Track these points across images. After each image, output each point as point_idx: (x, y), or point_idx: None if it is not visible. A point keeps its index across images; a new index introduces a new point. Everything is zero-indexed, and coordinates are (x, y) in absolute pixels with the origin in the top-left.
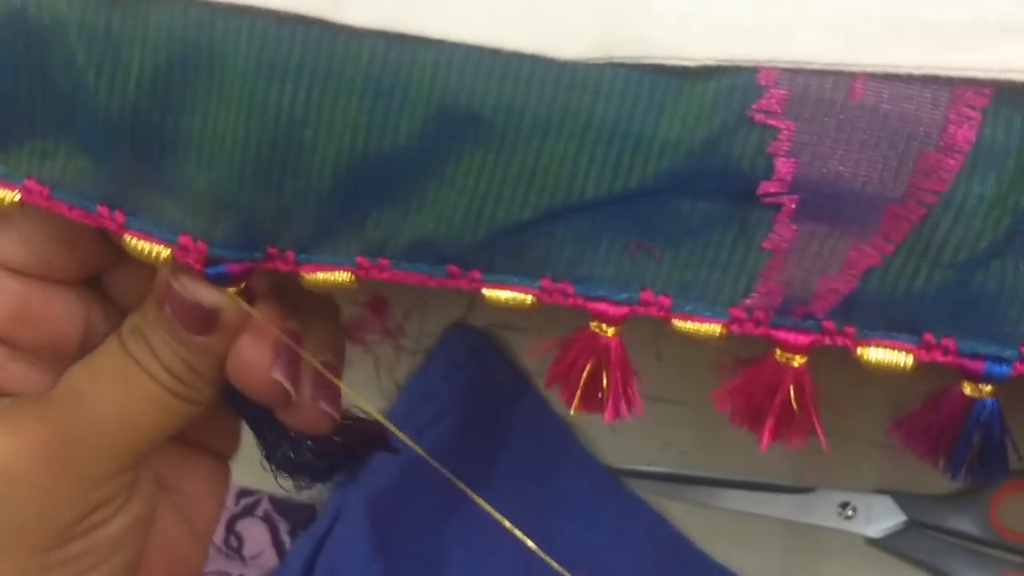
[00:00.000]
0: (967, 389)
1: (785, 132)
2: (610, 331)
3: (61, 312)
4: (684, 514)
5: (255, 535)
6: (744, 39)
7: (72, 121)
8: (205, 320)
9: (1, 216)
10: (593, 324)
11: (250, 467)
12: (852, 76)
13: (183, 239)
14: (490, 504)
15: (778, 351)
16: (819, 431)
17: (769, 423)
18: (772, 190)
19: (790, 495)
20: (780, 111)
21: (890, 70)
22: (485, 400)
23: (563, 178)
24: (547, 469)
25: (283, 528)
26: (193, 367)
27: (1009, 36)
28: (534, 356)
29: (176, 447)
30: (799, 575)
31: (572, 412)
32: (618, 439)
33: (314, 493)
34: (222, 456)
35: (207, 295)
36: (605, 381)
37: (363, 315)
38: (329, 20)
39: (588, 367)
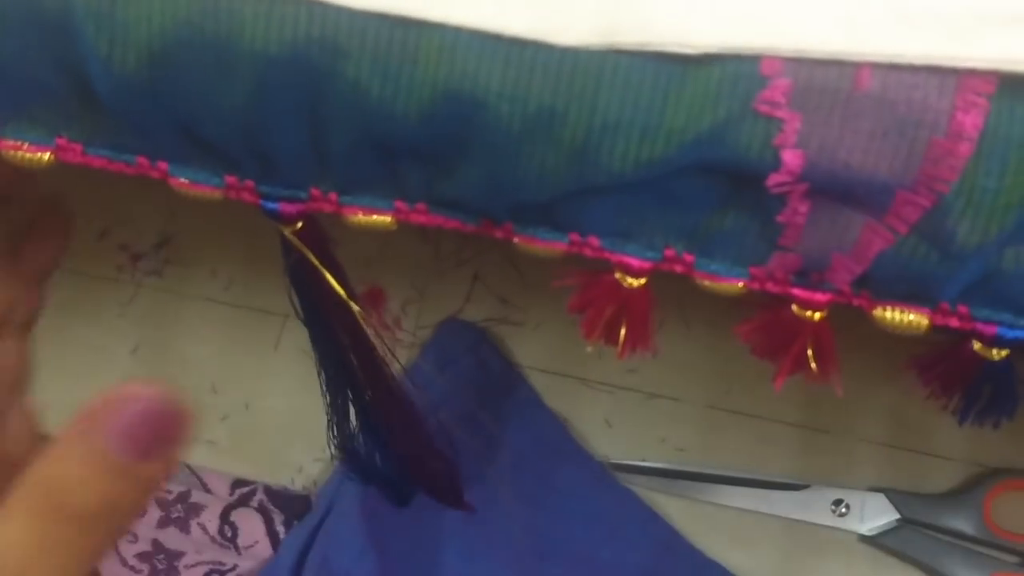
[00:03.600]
0: (976, 347)
1: (790, 124)
2: (634, 282)
3: None
4: (679, 510)
5: (249, 525)
6: (747, 27)
7: (91, 90)
8: (161, 433)
9: None
10: (617, 274)
11: (245, 457)
12: (857, 65)
13: (230, 179)
14: (485, 498)
15: (795, 306)
16: (837, 383)
17: (784, 368)
18: (781, 180)
19: (784, 492)
20: (784, 102)
21: (893, 59)
22: (479, 394)
23: (573, 165)
24: (542, 463)
25: (277, 519)
26: (123, 497)
27: (1013, 27)
28: (558, 285)
29: None
30: (792, 571)
31: (588, 348)
32: (614, 434)
33: (308, 484)
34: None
35: (169, 400)
36: (624, 329)
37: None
38: (330, 3)
39: (609, 312)
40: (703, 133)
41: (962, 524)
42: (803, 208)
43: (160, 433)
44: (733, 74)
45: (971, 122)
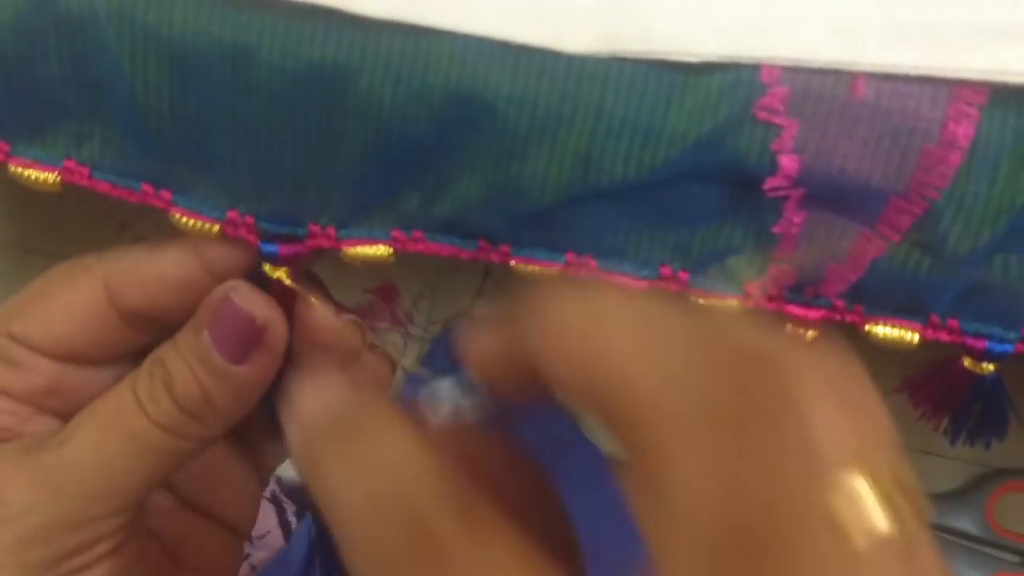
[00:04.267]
0: (967, 363)
1: (788, 130)
2: None
3: (93, 387)
4: None
5: (262, 515)
6: (746, 36)
7: (107, 106)
8: (249, 340)
9: (28, 302)
10: None
11: None
12: (853, 74)
13: (231, 214)
14: None
15: (790, 325)
16: None
17: None
18: (777, 185)
19: None
20: (782, 109)
21: (888, 70)
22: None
23: (577, 168)
24: (550, 459)
25: (290, 509)
26: (211, 399)
27: (1004, 39)
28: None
29: (191, 517)
30: None
31: None
32: None
33: None
34: (238, 533)
35: (262, 308)
36: None
37: (372, 302)
38: (346, 11)
39: None
40: (703, 138)
41: (965, 524)
42: (798, 219)
43: (249, 339)
44: (733, 81)
45: (963, 131)
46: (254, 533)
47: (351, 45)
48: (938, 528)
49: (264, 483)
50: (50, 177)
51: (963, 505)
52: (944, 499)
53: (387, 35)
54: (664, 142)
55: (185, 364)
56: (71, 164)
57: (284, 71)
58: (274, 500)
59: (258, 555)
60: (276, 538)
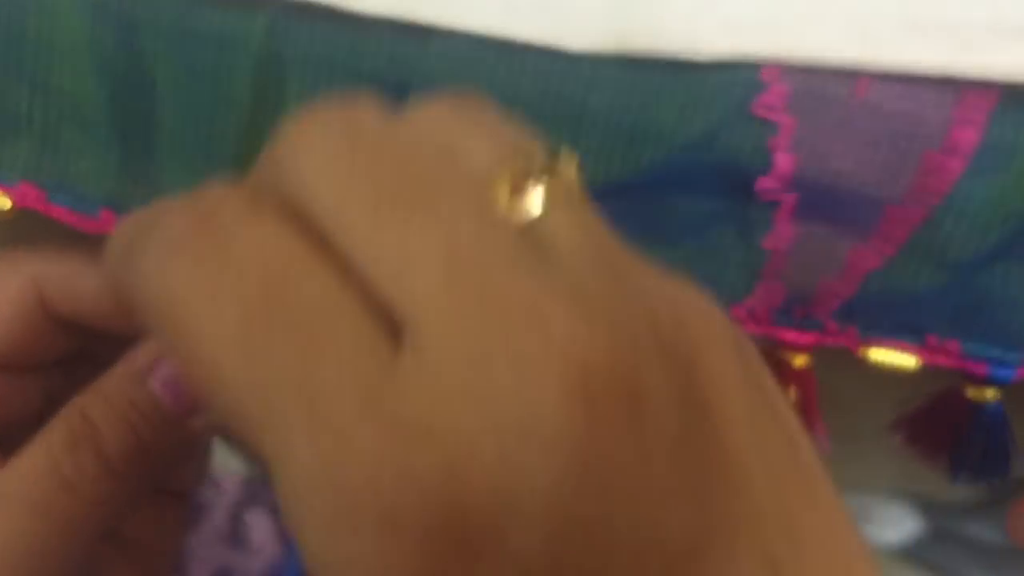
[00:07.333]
0: (969, 392)
1: (785, 127)
2: None
3: (18, 398)
4: None
5: (260, 524)
6: (756, 35)
7: (77, 113)
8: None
9: None
10: None
11: None
12: (856, 74)
13: None
14: None
15: (780, 350)
16: (821, 433)
17: None
18: (770, 186)
19: None
20: (781, 106)
21: (904, 69)
22: None
23: None
24: None
25: None
26: (146, 453)
27: (1022, 38)
28: None
29: (107, 549)
30: None
31: None
32: None
33: None
34: (162, 553)
35: None
36: None
37: None
38: (339, 9)
39: None
40: (693, 138)
41: (988, 534)
42: (788, 232)
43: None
44: (731, 78)
45: (967, 138)
46: (252, 542)
47: (340, 47)
48: (960, 538)
49: (188, 501)
50: (3, 203)
51: (985, 515)
52: (964, 509)
53: (376, 34)
54: (650, 141)
55: (115, 416)
56: (27, 187)
57: (272, 69)
58: (274, 508)
59: (255, 564)
60: (274, 548)
